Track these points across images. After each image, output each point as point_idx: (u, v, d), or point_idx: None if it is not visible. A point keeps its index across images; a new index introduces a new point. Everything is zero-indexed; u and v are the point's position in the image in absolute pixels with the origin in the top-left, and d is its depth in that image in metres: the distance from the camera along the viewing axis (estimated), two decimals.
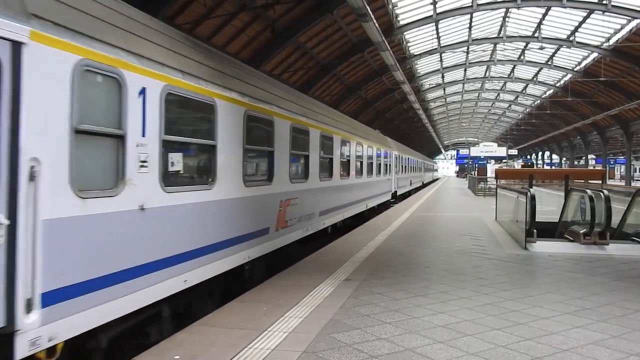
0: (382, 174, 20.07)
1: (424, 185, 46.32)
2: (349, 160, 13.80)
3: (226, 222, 6.56)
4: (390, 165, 22.69)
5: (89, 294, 4.11)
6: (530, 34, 32.85)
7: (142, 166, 4.78)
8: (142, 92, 4.77)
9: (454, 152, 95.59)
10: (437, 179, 75.37)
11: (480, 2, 27.09)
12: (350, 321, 5.43)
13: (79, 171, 4.02)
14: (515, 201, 12.41)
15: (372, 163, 17.50)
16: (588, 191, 11.33)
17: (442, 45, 33.50)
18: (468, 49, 35.53)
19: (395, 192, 24.61)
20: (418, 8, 26.73)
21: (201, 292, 6.37)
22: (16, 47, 3.47)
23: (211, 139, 6.19)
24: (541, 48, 33.65)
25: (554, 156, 79.67)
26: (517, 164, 76.56)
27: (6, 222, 3.42)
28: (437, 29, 30.03)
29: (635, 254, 9.88)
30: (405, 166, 29.77)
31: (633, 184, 47.20)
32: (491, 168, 52.35)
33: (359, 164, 15.37)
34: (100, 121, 4.39)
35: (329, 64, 28.59)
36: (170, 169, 5.40)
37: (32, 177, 3.57)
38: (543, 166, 79.12)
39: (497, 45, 36.19)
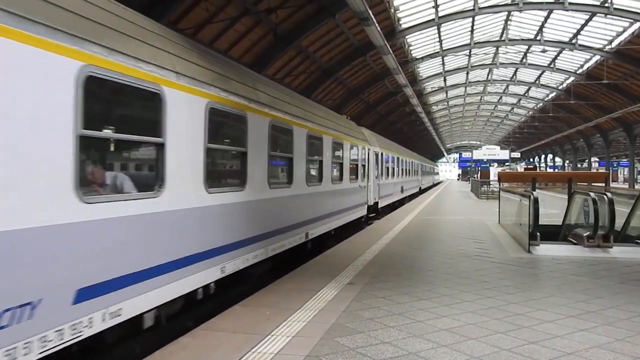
0: (347, 180, 14.05)
1: (421, 192, 42.13)
2: (270, 156, 8.29)
3: None
4: (366, 167, 17.00)
5: None
6: (532, 37, 32.83)
7: None
8: None
9: (456, 156, 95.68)
10: (438, 183, 73.96)
11: (482, 6, 27.12)
12: (354, 325, 5.43)
13: None
14: (519, 204, 12.39)
15: (322, 161, 11.57)
16: (591, 194, 11.31)
17: (444, 48, 33.50)
18: (470, 52, 35.54)
19: (376, 203, 18.90)
20: (420, 12, 26.78)
21: None
22: None
23: None
24: (543, 51, 33.65)
25: (557, 159, 79.57)
26: (520, 167, 76.38)
27: None
28: (439, 32, 30.05)
29: (639, 256, 9.84)
30: (393, 168, 23.99)
31: (636, 186, 47.11)
32: (494, 171, 52.29)
33: (294, 164, 9.51)
34: None
35: (331, 68, 28.64)
36: None
37: None
38: (546, 169, 78.99)
39: (500, 48, 36.22)
